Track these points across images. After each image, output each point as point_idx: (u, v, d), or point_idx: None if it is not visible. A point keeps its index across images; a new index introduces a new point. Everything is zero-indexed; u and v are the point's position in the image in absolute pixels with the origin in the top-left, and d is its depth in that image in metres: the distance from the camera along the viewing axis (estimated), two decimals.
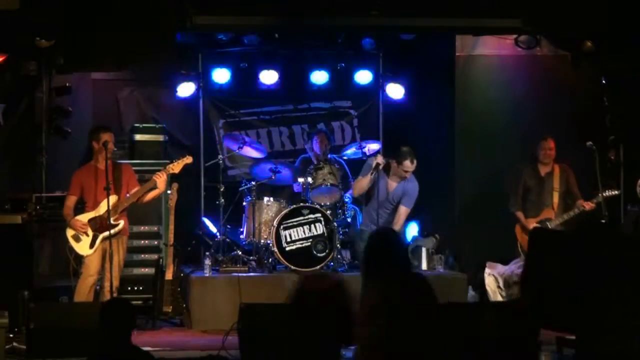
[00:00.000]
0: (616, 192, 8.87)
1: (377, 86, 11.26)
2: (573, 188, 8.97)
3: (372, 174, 8.42)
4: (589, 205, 8.76)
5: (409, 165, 9.08)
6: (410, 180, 9.41)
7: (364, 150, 9.88)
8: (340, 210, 9.77)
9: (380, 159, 8.50)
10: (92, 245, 8.18)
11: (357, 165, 9.90)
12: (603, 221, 8.59)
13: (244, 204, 9.88)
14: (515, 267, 9.56)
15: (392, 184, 9.29)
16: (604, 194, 8.73)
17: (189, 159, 8.58)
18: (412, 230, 10.15)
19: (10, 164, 9.43)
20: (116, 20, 8.81)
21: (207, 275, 9.19)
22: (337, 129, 11.39)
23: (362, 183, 8.54)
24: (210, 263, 9.24)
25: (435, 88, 10.82)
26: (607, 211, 8.59)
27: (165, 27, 9.06)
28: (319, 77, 11.01)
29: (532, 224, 8.96)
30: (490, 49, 10.43)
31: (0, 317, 7.07)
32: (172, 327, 9.00)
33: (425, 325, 4.47)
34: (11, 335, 7.72)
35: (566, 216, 8.90)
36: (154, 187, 8.31)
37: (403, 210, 9.50)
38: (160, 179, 8.29)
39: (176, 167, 8.49)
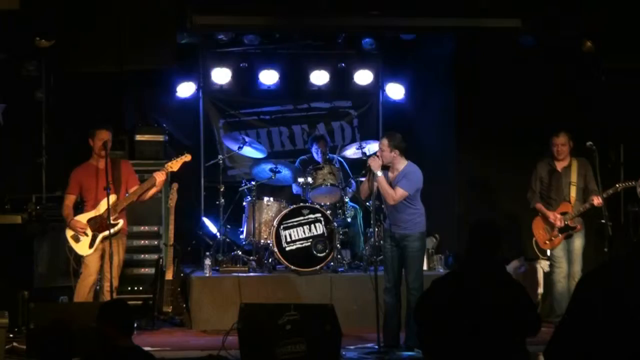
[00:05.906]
0: (633, 182, 8.79)
1: (377, 86, 11.27)
2: (590, 183, 8.89)
3: (367, 174, 8.31)
4: (597, 201, 8.70)
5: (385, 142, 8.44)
6: None
7: (363, 150, 9.87)
8: (340, 210, 9.78)
9: (370, 160, 8.29)
10: (91, 245, 8.16)
11: (357, 165, 9.90)
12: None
13: (244, 204, 9.88)
14: (515, 267, 9.57)
15: (392, 174, 8.71)
16: (620, 185, 8.70)
17: (187, 157, 8.56)
18: None
19: (10, 164, 9.43)
20: (116, 20, 8.81)
21: (207, 275, 9.19)
22: (337, 129, 11.38)
23: (363, 187, 8.45)
24: (210, 263, 9.24)
25: (435, 88, 10.83)
26: (607, 211, 8.56)
27: (165, 27, 9.06)
28: (319, 77, 11.01)
29: (552, 216, 8.88)
30: (490, 49, 10.42)
31: (0, 317, 7.05)
32: (172, 327, 8.99)
33: None
34: (11, 335, 7.73)
35: (582, 208, 8.83)
36: (154, 185, 8.29)
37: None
38: (160, 178, 8.28)
39: (175, 165, 8.48)
